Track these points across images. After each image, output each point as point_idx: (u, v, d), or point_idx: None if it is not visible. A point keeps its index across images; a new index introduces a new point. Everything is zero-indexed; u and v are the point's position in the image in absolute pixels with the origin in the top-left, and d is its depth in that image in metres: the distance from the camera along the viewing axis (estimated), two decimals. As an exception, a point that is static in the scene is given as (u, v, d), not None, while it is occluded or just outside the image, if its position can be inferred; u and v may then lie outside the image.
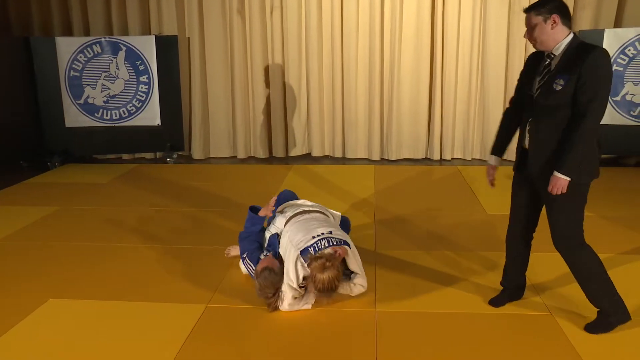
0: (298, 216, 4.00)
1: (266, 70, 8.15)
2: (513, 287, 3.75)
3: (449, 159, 8.08)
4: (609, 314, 3.36)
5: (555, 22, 3.12)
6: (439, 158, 8.09)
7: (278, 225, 4.07)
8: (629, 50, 7.25)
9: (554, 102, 3.14)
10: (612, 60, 7.25)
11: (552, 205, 3.26)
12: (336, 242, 3.67)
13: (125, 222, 5.47)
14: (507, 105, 3.62)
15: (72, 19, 8.27)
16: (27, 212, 5.76)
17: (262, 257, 3.87)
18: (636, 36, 7.22)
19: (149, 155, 8.52)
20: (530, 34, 3.20)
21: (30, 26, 8.36)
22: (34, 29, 8.35)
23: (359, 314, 3.63)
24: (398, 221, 5.37)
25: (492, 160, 3.69)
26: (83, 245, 4.87)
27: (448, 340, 3.32)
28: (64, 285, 4.10)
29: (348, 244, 3.71)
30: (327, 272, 3.44)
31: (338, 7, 7.81)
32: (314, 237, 3.69)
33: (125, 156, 8.47)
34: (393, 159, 8.15)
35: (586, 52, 3.06)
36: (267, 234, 4.11)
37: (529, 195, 3.46)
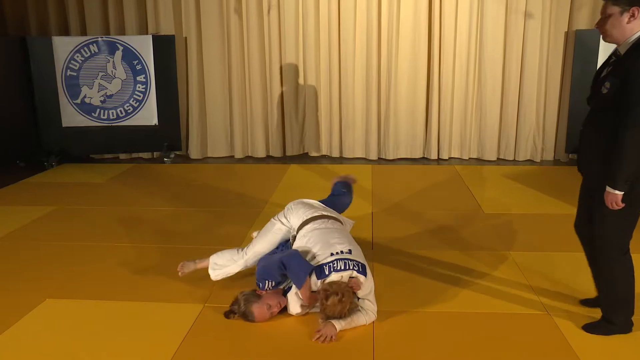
0: (316, 221, 3.86)
1: (263, 69, 8.15)
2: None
3: (446, 158, 8.09)
4: (614, 324, 3.29)
5: (634, 15, 2.85)
6: (436, 157, 8.11)
7: (292, 223, 3.94)
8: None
9: (599, 105, 3.00)
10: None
11: (598, 212, 3.11)
12: (353, 266, 3.48)
13: (122, 222, 5.47)
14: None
15: (68, 19, 8.26)
16: (24, 212, 5.76)
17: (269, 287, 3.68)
18: (634, 36, 7.21)
19: (146, 155, 8.51)
20: (601, 24, 2.95)
21: (26, 26, 8.35)
22: (30, 28, 8.34)
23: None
24: (396, 221, 5.38)
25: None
26: (80, 245, 4.87)
27: (445, 339, 3.33)
28: (61, 285, 4.10)
29: (365, 271, 3.51)
30: (339, 305, 3.33)
31: (335, 6, 7.82)
32: (332, 255, 3.52)
33: (122, 156, 8.46)
34: (390, 158, 8.16)
35: (638, 51, 2.83)
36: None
37: (586, 191, 3.31)
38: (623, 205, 2.96)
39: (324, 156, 8.34)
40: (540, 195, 6.15)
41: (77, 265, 4.45)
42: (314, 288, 3.49)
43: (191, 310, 3.67)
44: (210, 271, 3.93)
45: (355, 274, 3.43)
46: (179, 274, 3.95)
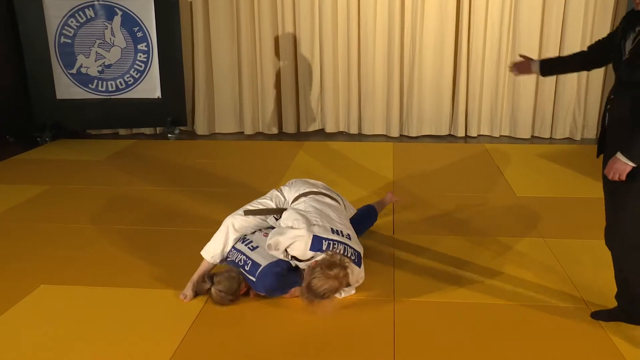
0: (317, 196, 3.92)
1: (276, 38, 8.11)
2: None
3: (475, 135, 8.04)
4: (631, 317, 3.26)
5: None
6: (463, 135, 8.06)
7: (288, 197, 3.98)
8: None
9: (636, 78, 2.86)
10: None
11: (613, 196, 3.06)
12: (351, 254, 3.53)
13: (122, 202, 5.50)
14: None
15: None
16: (15, 191, 5.80)
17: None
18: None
19: (148, 131, 8.53)
20: None
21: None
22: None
23: (375, 302, 3.65)
24: (418, 203, 5.36)
25: (536, 63, 3.55)
26: (76, 227, 4.91)
27: (470, 331, 3.33)
28: (56, 270, 4.13)
29: (360, 261, 3.59)
30: (330, 281, 3.29)
31: (355, -32, 7.77)
32: (333, 232, 3.56)
33: (122, 131, 8.49)
34: (413, 135, 8.12)
35: None
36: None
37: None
38: (634, 183, 2.90)
39: (341, 132, 8.32)
40: (579, 177, 6.09)
41: (73, 248, 4.49)
42: (304, 257, 3.52)
43: (197, 298, 3.69)
44: (205, 255, 3.89)
45: (351, 264, 3.45)
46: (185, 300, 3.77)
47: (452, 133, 8.15)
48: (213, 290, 3.56)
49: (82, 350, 3.19)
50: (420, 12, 7.73)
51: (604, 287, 3.74)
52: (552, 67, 3.59)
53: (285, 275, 3.67)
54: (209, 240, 3.89)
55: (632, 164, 2.83)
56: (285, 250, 3.55)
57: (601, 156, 3.18)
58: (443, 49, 7.84)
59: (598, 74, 7.71)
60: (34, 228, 4.90)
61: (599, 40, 3.30)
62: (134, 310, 3.59)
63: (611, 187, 3.01)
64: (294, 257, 3.55)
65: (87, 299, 3.72)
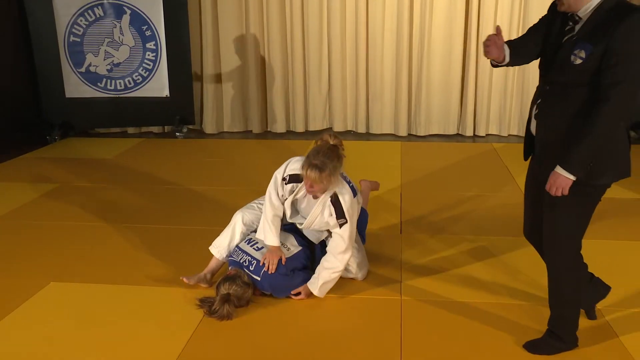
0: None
1: (284, 36, 8.11)
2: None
3: (483, 135, 8.02)
4: (560, 339, 3.11)
5: None
6: (472, 134, 8.05)
7: None
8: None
9: (569, 78, 2.71)
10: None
11: (551, 207, 2.88)
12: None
13: (131, 200, 5.52)
14: None
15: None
16: (25, 189, 5.83)
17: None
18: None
19: (156, 129, 8.56)
20: None
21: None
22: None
23: (383, 302, 3.66)
24: (426, 203, 5.36)
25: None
26: (85, 225, 4.93)
27: (477, 330, 3.33)
28: (65, 267, 4.15)
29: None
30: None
31: (363, -34, 7.77)
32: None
33: (130, 130, 8.52)
34: (422, 134, 8.11)
35: (622, 15, 2.55)
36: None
37: (538, 186, 2.98)
38: (572, 193, 2.72)
39: (349, 132, 8.31)
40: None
41: (82, 246, 4.51)
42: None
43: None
44: (213, 251, 3.92)
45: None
46: (185, 280, 3.83)
47: (460, 132, 8.14)
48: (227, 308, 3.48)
49: (90, 347, 3.20)
50: (429, 11, 7.72)
51: (620, 289, 3.74)
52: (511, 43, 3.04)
53: (289, 275, 3.69)
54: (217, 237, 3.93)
55: (573, 178, 2.68)
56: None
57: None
58: (452, 48, 7.83)
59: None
60: (44, 226, 4.92)
61: (529, 30, 3.07)
62: (143, 308, 3.60)
63: (550, 197, 2.81)
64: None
65: (97, 297, 3.74)
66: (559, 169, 2.69)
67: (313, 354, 3.13)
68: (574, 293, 3.07)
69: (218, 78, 8.37)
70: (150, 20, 7.81)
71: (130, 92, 8.02)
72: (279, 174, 3.73)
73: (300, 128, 8.33)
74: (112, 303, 3.66)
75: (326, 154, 3.50)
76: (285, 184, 3.70)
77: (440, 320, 3.45)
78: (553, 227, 2.92)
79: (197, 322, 3.41)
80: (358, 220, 4.00)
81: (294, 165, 3.72)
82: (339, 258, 3.65)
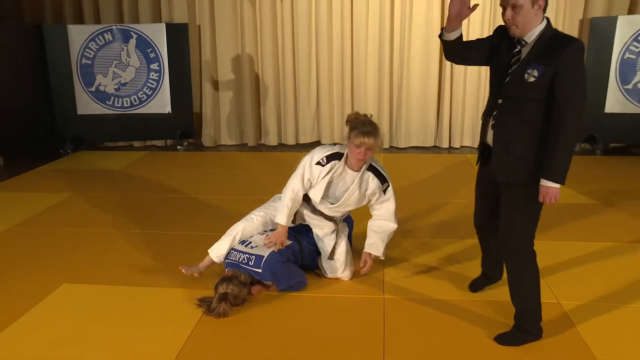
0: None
1: (276, 57, 8.16)
2: (487, 273, 3.75)
3: (458, 147, 8.09)
4: (526, 332, 3.19)
5: (540, 7, 2.83)
6: (447, 146, 8.11)
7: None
8: (642, 37, 7.21)
9: (523, 94, 2.88)
10: (623, 48, 7.24)
11: (508, 203, 3.05)
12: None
13: (136, 208, 5.54)
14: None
15: (83, 6, 8.31)
16: (40, 198, 5.84)
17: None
18: (651, 22, 7.15)
19: (159, 143, 8.57)
20: (513, 15, 2.84)
21: (42, 13, 8.38)
22: (46, 15, 8.38)
23: (367, 300, 3.68)
24: (407, 210, 5.35)
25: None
26: (95, 231, 4.94)
27: (454, 326, 3.37)
28: (77, 270, 4.17)
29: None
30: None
31: (348, -6, 7.84)
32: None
33: (136, 144, 8.53)
34: (402, 146, 8.17)
35: (565, 44, 2.79)
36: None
37: (491, 188, 3.24)
38: (531, 195, 2.93)
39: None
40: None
41: (92, 250, 4.53)
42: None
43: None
44: (212, 254, 3.93)
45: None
46: (183, 271, 3.90)
47: (437, 145, 8.20)
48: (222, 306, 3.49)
49: (98, 344, 3.23)
50: (408, 35, 7.80)
51: (578, 285, 3.82)
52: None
53: (287, 264, 3.73)
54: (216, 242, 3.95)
55: (557, 186, 2.86)
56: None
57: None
58: (429, 68, 7.91)
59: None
60: (57, 232, 4.94)
61: (479, 39, 3.18)
62: (148, 308, 3.62)
63: (510, 199, 3.02)
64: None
65: (105, 297, 3.76)
66: (546, 182, 2.86)
67: (297, 353, 3.13)
68: (533, 288, 3.16)
69: (216, 96, 8.41)
70: (155, 44, 7.85)
71: (135, 109, 8.05)
72: (311, 161, 3.79)
73: (291, 141, 8.37)
74: (118, 303, 3.68)
75: (370, 122, 3.63)
76: (323, 165, 3.74)
77: (420, 316, 3.48)
78: (512, 227, 3.05)
79: (195, 322, 3.42)
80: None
81: (323, 150, 3.84)
82: (393, 220, 3.85)
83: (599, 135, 7.48)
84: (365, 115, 3.73)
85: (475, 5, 2.96)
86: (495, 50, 3.05)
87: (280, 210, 3.80)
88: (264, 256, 3.71)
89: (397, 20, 7.81)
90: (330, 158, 3.77)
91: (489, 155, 3.10)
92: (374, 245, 3.83)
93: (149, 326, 3.40)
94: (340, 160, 3.74)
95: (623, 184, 6.18)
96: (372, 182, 3.77)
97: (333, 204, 3.84)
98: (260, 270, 3.68)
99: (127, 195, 5.95)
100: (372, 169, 3.77)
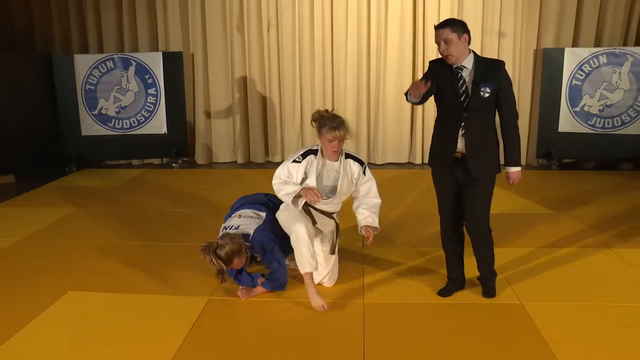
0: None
1: (263, 82, 8.18)
2: (456, 279, 3.80)
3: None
4: (492, 279, 3.69)
5: (466, 40, 3.32)
6: (420, 162, 8.15)
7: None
8: (585, 67, 7.43)
9: (482, 107, 3.34)
10: (571, 76, 7.44)
11: (481, 194, 3.47)
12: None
13: (135, 221, 5.49)
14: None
15: (88, 37, 8.30)
16: (48, 212, 5.78)
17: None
18: (590, 55, 7.43)
19: (156, 161, 8.52)
20: (446, 48, 3.31)
21: (52, 42, 8.39)
22: (55, 45, 8.38)
23: (347, 304, 3.66)
24: (386, 221, 5.33)
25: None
26: (98, 242, 4.90)
27: (430, 328, 3.36)
28: (81, 278, 4.12)
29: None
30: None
31: (329, 24, 7.89)
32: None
33: (135, 162, 8.48)
34: (379, 163, 8.19)
35: (498, 65, 3.39)
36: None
37: (457, 188, 3.55)
38: (491, 180, 3.48)
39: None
40: (512, 196, 6.17)
41: (95, 260, 4.48)
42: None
43: (197, 302, 3.69)
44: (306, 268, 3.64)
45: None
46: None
47: (410, 161, 8.24)
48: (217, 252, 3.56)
49: (102, 348, 3.19)
50: (383, 62, 7.87)
51: (537, 286, 3.85)
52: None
53: (272, 237, 3.77)
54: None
55: (519, 168, 3.51)
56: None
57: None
58: (402, 91, 7.90)
59: (525, 114, 7.86)
60: (62, 243, 4.88)
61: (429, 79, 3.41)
62: (147, 314, 3.59)
63: (477, 188, 3.44)
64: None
65: (108, 304, 3.72)
66: (511, 169, 3.52)
67: (278, 357, 3.10)
68: (493, 254, 3.65)
69: (208, 117, 8.39)
70: (152, 71, 7.85)
71: (134, 130, 8.02)
72: (288, 162, 3.75)
73: (277, 158, 8.36)
74: (120, 309, 3.65)
75: (335, 116, 3.66)
76: (299, 162, 3.70)
77: (398, 319, 3.47)
78: (482, 214, 3.50)
79: (189, 328, 3.39)
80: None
81: (295, 153, 3.83)
82: (377, 195, 3.84)
83: (554, 152, 7.62)
84: (327, 110, 3.76)
85: (429, 82, 3.26)
86: (437, 79, 3.42)
87: (287, 190, 3.68)
88: (250, 232, 3.78)
89: (373, 50, 7.88)
90: (305, 155, 3.75)
91: (458, 162, 3.44)
92: (370, 217, 3.76)
93: (146, 332, 3.36)
94: (315, 155, 3.74)
95: (575, 195, 6.25)
96: (354, 166, 3.77)
97: (329, 197, 3.78)
98: (251, 244, 3.72)
99: (127, 210, 5.90)
100: (348, 156, 3.79)
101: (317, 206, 3.78)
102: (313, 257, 3.59)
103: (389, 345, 3.18)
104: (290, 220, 3.69)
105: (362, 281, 4.01)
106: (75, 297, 3.82)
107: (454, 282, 3.78)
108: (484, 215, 3.50)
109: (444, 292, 3.75)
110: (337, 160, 3.75)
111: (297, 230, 3.60)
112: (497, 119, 3.47)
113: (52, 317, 3.55)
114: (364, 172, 3.81)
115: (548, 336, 3.21)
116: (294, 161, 3.73)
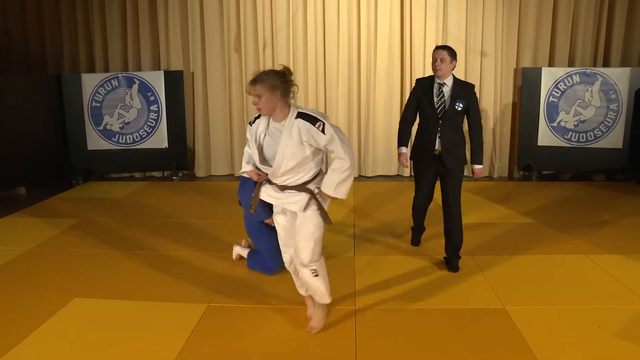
0: None
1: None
2: (419, 228, 4.85)
3: (417, 175, 8.12)
4: (457, 259, 4.33)
5: (454, 65, 4.14)
6: (409, 175, 8.14)
7: None
8: (561, 85, 7.55)
9: (454, 117, 4.14)
10: (548, 93, 7.54)
11: (454, 182, 4.24)
12: None
13: (138, 231, 5.49)
14: (401, 121, 4.51)
15: (95, 57, 8.32)
16: (55, 223, 5.76)
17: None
18: (565, 74, 7.55)
19: (157, 174, 8.50)
20: (440, 64, 4.09)
21: (61, 63, 8.42)
22: (64, 64, 8.41)
23: (339, 311, 3.66)
24: (375, 231, 5.41)
25: (404, 150, 4.45)
26: (102, 251, 4.89)
27: (417, 332, 3.38)
28: (86, 286, 4.11)
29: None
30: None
31: (321, 44, 7.93)
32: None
33: (137, 174, 8.45)
34: (369, 175, 8.21)
35: (470, 86, 4.22)
36: None
37: (433, 177, 4.38)
38: (462, 172, 4.30)
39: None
40: (495, 206, 6.22)
41: (100, 268, 4.47)
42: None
43: (197, 309, 3.69)
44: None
45: None
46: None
47: (399, 173, 8.25)
48: None
49: (106, 353, 3.19)
50: (373, 80, 7.91)
51: (519, 291, 3.86)
52: (407, 141, 4.47)
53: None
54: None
55: (481, 166, 4.37)
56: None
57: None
58: (391, 107, 8.01)
59: (507, 129, 7.94)
60: (69, 252, 4.87)
61: (412, 105, 4.37)
62: (148, 320, 3.59)
63: (453, 177, 4.23)
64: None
65: (112, 310, 3.72)
66: (476, 166, 4.38)
67: None
68: (462, 227, 4.34)
69: (207, 132, 8.39)
70: (154, 88, 7.86)
71: (137, 145, 8.01)
72: (248, 125, 3.33)
73: (273, 171, 8.34)
74: (124, 315, 3.64)
75: (264, 72, 3.09)
76: (251, 124, 3.28)
77: (390, 325, 3.47)
78: (457, 194, 4.27)
79: (189, 333, 3.39)
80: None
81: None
82: (343, 155, 3.12)
83: (534, 164, 7.67)
84: (287, 69, 3.17)
85: (407, 163, 4.44)
86: (419, 94, 4.28)
87: (242, 172, 3.49)
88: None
89: (363, 68, 7.93)
90: (257, 117, 3.28)
91: (438, 157, 4.22)
92: (327, 179, 3.18)
93: (147, 337, 3.36)
94: (259, 117, 3.26)
95: (554, 205, 6.29)
96: (303, 125, 3.06)
97: (271, 167, 3.18)
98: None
99: (130, 220, 5.89)
100: (300, 115, 3.10)
101: (275, 181, 3.24)
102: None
103: (379, 348, 3.18)
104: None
105: (354, 286, 4.02)
106: (80, 304, 3.81)
107: (419, 231, 4.84)
108: (458, 196, 4.25)
109: (414, 242, 4.89)
110: (281, 121, 3.15)
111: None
112: (465, 125, 4.28)
113: (59, 322, 3.54)
114: (323, 131, 3.06)
115: (529, 338, 3.24)
116: (249, 124, 3.32)
